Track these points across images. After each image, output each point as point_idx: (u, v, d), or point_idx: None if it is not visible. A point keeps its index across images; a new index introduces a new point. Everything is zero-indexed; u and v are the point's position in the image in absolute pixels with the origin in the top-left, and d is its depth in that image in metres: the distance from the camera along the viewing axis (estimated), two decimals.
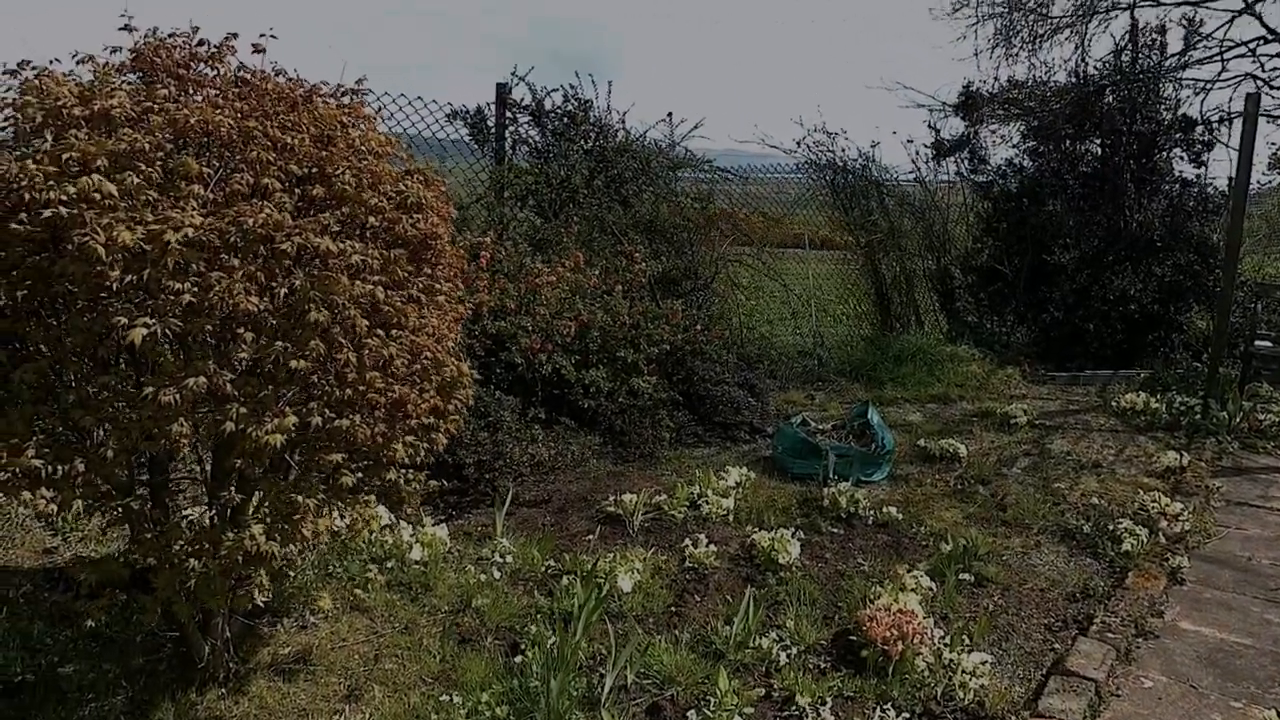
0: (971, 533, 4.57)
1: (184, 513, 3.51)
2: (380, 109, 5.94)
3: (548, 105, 6.60)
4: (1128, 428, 7.09)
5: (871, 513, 4.82)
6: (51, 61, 2.99)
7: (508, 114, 6.45)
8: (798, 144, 9.10)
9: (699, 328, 6.48)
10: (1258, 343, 8.05)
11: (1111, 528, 4.70)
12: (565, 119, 6.70)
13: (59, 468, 2.30)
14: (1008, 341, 9.38)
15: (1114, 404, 7.60)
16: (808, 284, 9.59)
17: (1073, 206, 9.66)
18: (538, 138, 6.69)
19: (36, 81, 2.52)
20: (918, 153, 10.08)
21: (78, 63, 2.81)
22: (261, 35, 2.72)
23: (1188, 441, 6.65)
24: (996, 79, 10.67)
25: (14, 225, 2.23)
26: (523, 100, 6.57)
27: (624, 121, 7.06)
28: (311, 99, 2.66)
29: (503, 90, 6.44)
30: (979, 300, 10.16)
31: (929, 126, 10.42)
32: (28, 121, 2.42)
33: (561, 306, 5.84)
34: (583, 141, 6.70)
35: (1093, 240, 9.47)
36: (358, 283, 2.33)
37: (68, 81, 2.53)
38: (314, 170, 2.46)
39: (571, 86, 6.78)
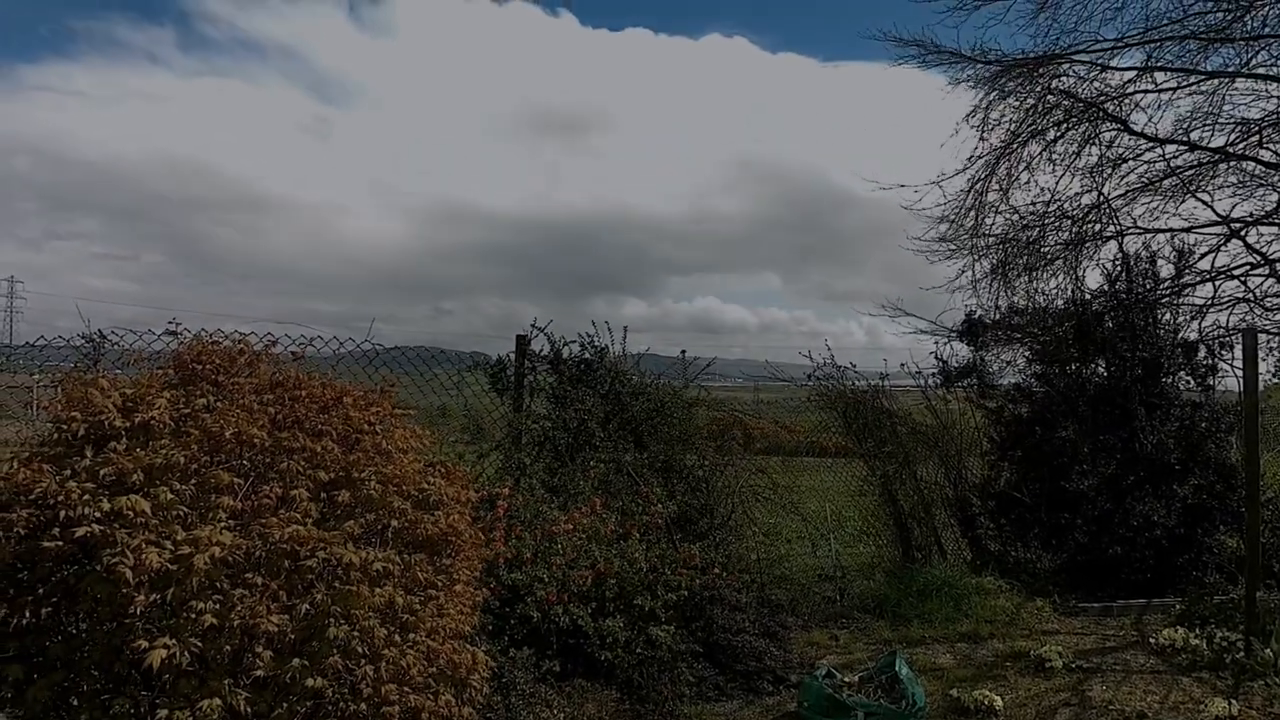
0: None
1: None
2: (407, 362, 6.20)
3: (565, 354, 6.87)
4: (1169, 668, 6.78)
5: None
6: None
7: (526, 363, 6.71)
8: (808, 377, 9.31)
9: (717, 570, 6.39)
10: None
11: None
12: (582, 366, 6.95)
13: None
14: (1034, 570, 9.13)
15: (1151, 640, 7.30)
16: (824, 507, 9.53)
17: (1085, 430, 9.68)
18: (555, 384, 6.91)
19: (82, 393, 2.67)
20: (926, 381, 10.27)
21: (123, 366, 2.99)
22: (297, 343, 2.89)
23: (1235, 684, 6.33)
24: (997, 307, 11.02)
25: (46, 543, 2.29)
26: (541, 350, 6.86)
27: (639, 364, 7.31)
28: (341, 400, 2.79)
29: (522, 341, 6.74)
30: (1000, 526, 9.97)
31: (935, 357, 10.67)
32: (70, 434, 2.54)
33: (578, 554, 5.81)
34: (599, 386, 6.90)
35: (1109, 464, 9.43)
36: (378, 590, 2.35)
37: (112, 393, 2.67)
38: (340, 475, 2.55)
39: (588, 335, 7.10)
